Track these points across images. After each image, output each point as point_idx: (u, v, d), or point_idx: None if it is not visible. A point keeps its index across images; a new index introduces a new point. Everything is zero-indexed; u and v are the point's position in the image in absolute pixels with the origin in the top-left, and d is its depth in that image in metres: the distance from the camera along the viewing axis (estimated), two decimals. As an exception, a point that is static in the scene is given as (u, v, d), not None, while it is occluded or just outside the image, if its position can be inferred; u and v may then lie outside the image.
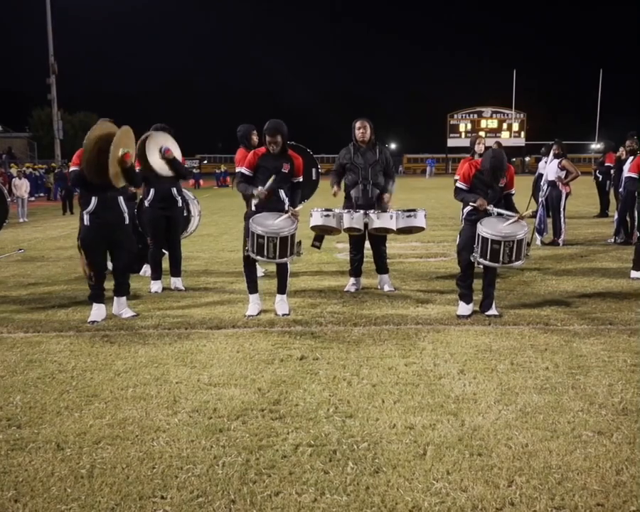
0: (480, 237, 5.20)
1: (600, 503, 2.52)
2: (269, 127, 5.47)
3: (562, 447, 2.98)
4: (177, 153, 6.60)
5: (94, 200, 5.30)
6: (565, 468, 2.78)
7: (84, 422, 3.34)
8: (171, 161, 6.47)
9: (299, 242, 5.43)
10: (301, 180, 5.73)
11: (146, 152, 6.33)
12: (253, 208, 5.55)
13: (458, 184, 5.57)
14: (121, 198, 5.43)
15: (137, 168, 5.77)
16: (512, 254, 5.14)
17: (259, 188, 5.36)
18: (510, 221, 5.23)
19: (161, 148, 6.40)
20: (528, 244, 5.33)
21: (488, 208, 5.30)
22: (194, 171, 42.74)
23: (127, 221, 5.50)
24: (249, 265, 5.64)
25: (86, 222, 5.35)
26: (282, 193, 5.59)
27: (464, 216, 5.64)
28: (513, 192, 5.54)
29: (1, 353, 4.58)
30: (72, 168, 5.39)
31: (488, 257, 5.18)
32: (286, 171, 5.55)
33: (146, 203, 6.67)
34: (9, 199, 8.14)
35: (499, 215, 5.31)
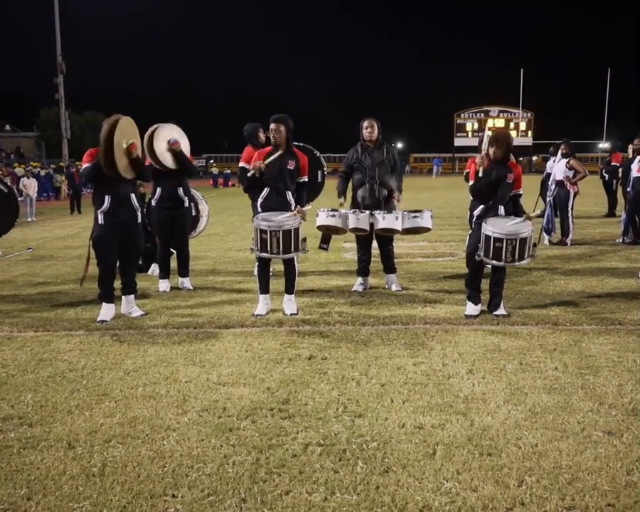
0: (484, 236, 5.20)
1: (611, 504, 2.51)
2: (274, 116, 5.51)
3: (572, 447, 2.98)
4: (185, 146, 6.58)
5: (107, 199, 5.32)
6: (575, 469, 2.78)
7: (95, 420, 3.37)
8: (177, 154, 6.42)
9: (304, 239, 5.43)
10: (306, 180, 5.73)
11: (154, 141, 6.31)
12: (259, 210, 5.57)
13: (471, 183, 5.51)
14: (133, 196, 5.46)
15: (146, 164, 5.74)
16: (515, 253, 5.11)
17: (257, 163, 5.44)
18: (518, 221, 5.21)
19: (169, 140, 6.39)
20: (535, 245, 5.31)
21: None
22: (213, 171, 43.32)
23: (139, 219, 5.55)
24: (263, 265, 5.65)
25: (100, 221, 5.37)
26: (289, 194, 5.60)
27: (474, 218, 5.61)
28: (521, 192, 5.51)
29: (11, 351, 4.62)
30: (84, 166, 5.37)
31: (490, 255, 5.17)
32: (292, 168, 5.56)
33: (153, 203, 6.70)
34: (20, 198, 8.20)
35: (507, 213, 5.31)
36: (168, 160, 6.42)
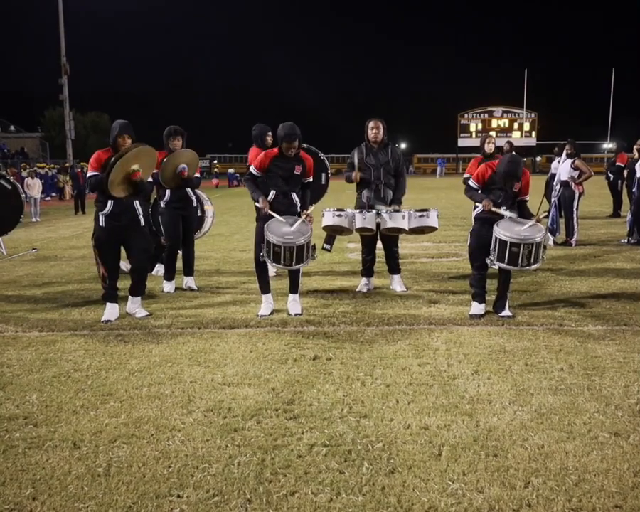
0: (497, 240, 5.12)
1: (618, 505, 2.50)
2: (287, 134, 5.39)
3: (579, 448, 2.97)
4: (194, 168, 6.67)
5: (110, 202, 5.31)
6: (582, 470, 2.76)
7: (100, 420, 3.37)
8: (183, 180, 6.54)
9: (313, 246, 5.44)
10: (311, 180, 5.74)
11: (163, 168, 6.39)
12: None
13: (470, 182, 5.54)
14: (137, 202, 5.44)
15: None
16: (530, 257, 5.06)
17: (262, 200, 5.41)
18: (528, 224, 5.17)
19: (177, 167, 6.45)
20: (545, 248, 5.28)
21: (499, 210, 5.26)
22: (215, 171, 43.62)
23: (142, 223, 5.52)
24: (261, 266, 5.64)
25: (101, 223, 5.37)
26: (294, 196, 5.60)
27: (474, 215, 5.62)
28: (527, 199, 5.47)
29: (16, 351, 4.62)
30: (91, 173, 5.35)
31: (506, 260, 5.10)
32: (299, 173, 5.56)
33: (162, 204, 6.67)
34: (23, 195, 8.24)
35: (511, 217, 5.27)
36: (173, 183, 6.55)
